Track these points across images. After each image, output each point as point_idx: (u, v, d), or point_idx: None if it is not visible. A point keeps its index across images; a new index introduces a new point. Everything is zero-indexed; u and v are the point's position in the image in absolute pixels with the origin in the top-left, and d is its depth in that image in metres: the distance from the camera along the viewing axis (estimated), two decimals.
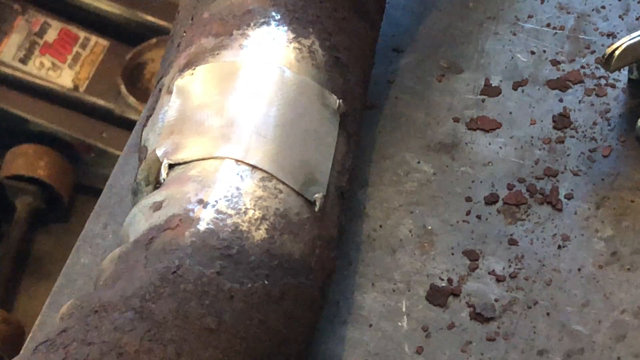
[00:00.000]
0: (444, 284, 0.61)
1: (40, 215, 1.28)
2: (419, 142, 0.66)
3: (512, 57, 0.70)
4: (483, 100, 0.68)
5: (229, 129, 0.55)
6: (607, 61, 0.64)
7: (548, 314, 0.59)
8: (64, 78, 1.28)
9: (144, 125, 0.59)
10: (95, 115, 1.28)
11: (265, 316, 0.50)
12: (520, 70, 0.70)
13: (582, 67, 0.69)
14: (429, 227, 0.63)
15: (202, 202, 0.52)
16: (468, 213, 0.63)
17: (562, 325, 0.59)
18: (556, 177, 0.64)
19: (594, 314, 0.59)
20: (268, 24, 0.59)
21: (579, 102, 0.68)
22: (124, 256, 0.52)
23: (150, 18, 1.31)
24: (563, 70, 0.69)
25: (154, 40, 1.30)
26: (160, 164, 0.55)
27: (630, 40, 0.64)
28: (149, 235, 0.52)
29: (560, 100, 0.68)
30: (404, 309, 0.60)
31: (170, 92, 0.58)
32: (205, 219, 0.51)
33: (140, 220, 0.54)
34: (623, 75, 0.68)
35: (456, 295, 0.60)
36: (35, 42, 1.29)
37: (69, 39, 1.30)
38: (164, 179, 0.55)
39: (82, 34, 1.31)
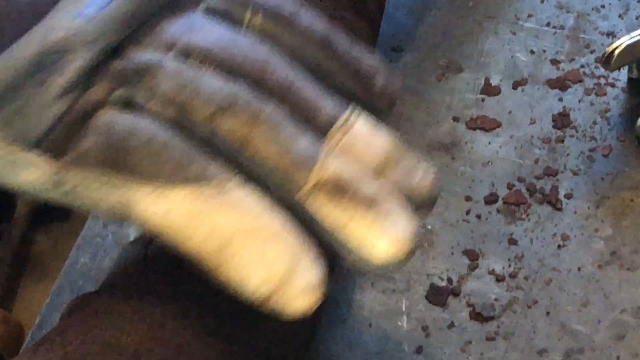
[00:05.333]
0: (443, 284, 0.61)
1: (40, 214, 1.28)
2: (418, 141, 0.66)
3: (512, 57, 0.70)
4: (483, 100, 0.68)
5: None
6: (607, 60, 0.64)
7: (548, 313, 0.59)
8: None
9: None
10: None
11: (265, 316, 0.50)
12: (520, 70, 0.70)
13: (582, 66, 0.69)
14: (429, 227, 0.63)
15: None
16: (468, 212, 0.63)
17: (562, 324, 0.59)
18: (556, 176, 0.64)
19: (594, 313, 0.59)
20: None
21: (579, 101, 0.68)
22: (124, 256, 0.52)
23: None
24: (563, 70, 0.69)
25: None
26: None
27: (630, 39, 0.64)
28: (148, 235, 0.52)
29: (560, 100, 0.68)
30: (403, 309, 0.60)
31: None
32: None
33: None
34: (623, 75, 0.68)
35: (456, 294, 0.60)
36: None
37: None
38: None
39: None
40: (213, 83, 0.43)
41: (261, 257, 0.43)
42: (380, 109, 0.50)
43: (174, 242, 0.43)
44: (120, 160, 0.43)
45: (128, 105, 0.44)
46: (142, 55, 0.44)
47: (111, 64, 0.44)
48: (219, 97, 0.43)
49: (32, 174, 0.43)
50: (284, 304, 0.44)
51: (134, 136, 0.43)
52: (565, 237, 0.62)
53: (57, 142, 0.43)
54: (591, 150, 0.65)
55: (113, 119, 0.43)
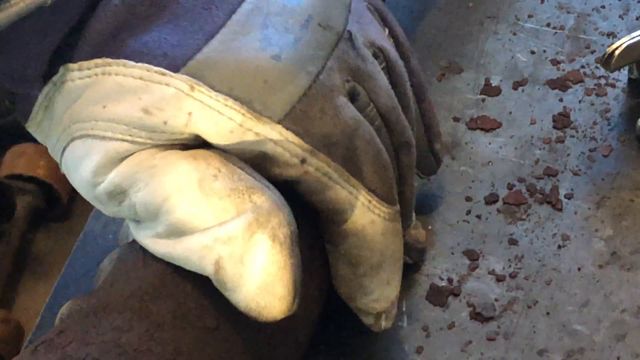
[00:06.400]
0: (444, 284, 0.61)
1: (40, 214, 1.28)
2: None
3: (512, 57, 0.70)
4: (483, 100, 0.68)
5: None
6: (607, 61, 0.64)
7: (548, 313, 0.59)
8: None
9: None
10: None
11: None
12: (520, 70, 0.70)
13: (582, 66, 0.69)
14: (429, 227, 0.63)
15: None
16: (468, 213, 0.63)
17: (562, 324, 0.59)
18: (556, 176, 0.64)
19: (594, 313, 0.59)
20: None
21: (579, 101, 0.68)
22: (123, 257, 0.52)
23: None
24: (563, 70, 0.69)
25: None
26: None
27: (630, 39, 0.64)
28: None
29: (560, 100, 0.68)
30: (404, 309, 0.60)
31: None
32: None
33: None
34: (623, 75, 0.68)
35: (456, 294, 0.60)
36: None
37: None
38: None
39: None
40: (404, 121, 0.53)
41: (392, 280, 0.53)
42: (430, 166, 0.61)
43: (357, 248, 0.51)
44: (352, 160, 0.48)
45: (352, 97, 0.50)
46: (364, 49, 0.51)
47: (348, 54, 0.49)
48: (407, 134, 0.53)
49: (278, 147, 0.47)
50: (383, 321, 0.55)
51: (358, 131, 0.49)
52: (565, 238, 0.62)
53: (297, 117, 0.47)
54: (591, 150, 0.65)
55: (346, 105, 0.49)
